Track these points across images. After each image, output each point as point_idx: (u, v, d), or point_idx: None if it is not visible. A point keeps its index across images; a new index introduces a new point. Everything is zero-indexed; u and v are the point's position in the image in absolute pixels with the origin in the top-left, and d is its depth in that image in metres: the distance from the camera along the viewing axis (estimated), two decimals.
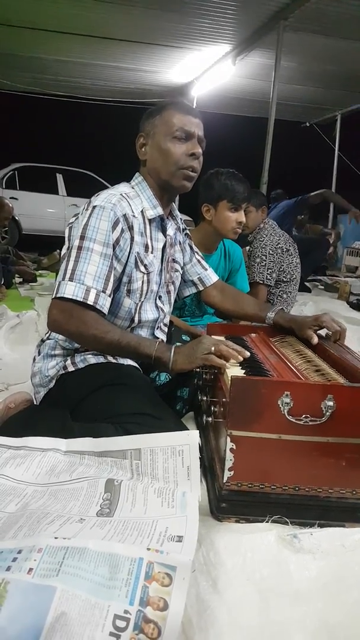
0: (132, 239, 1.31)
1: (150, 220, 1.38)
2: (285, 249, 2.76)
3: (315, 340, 1.40)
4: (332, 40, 4.94)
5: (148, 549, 0.72)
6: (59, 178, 8.62)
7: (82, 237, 1.24)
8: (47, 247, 6.30)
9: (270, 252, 2.69)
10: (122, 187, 1.38)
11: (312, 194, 4.63)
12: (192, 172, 1.35)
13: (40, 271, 5.25)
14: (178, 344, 1.55)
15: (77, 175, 8.76)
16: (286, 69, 5.34)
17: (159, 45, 5.64)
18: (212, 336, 1.43)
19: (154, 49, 5.77)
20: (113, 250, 1.26)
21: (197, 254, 1.66)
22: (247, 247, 2.85)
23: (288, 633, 0.78)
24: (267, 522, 1.05)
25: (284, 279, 2.79)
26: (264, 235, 2.74)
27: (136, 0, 4.42)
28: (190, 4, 4.45)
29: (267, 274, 2.68)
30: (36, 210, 8.21)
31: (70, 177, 8.68)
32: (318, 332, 1.44)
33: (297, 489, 1.07)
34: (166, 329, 1.55)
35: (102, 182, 8.29)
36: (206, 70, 6.39)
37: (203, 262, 1.68)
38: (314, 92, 6.91)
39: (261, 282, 2.67)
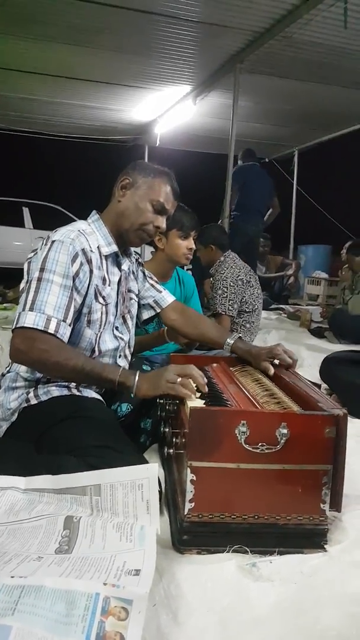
0: (90, 271, 1.36)
1: (106, 256, 1.44)
2: (246, 281, 2.86)
3: (272, 371, 1.45)
4: (286, 82, 5.21)
5: (104, 584, 0.72)
6: (25, 211, 8.70)
7: (42, 269, 1.27)
8: (13, 280, 6.23)
9: (231, 284, 2.78)
10: (80, 224, 1.43)
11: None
12: (147, 237, 1.48)
13: (4, 304, 5.20)
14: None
15: (44, 208, 8.86)
16: (244, 108, 5.57)
17: (123, 85, 5.80)
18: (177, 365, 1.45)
19: (118, 89, 5.93)
20: (73, 282, 1.29)
21: (151, 278, 1.70)
22: (210, 279, 2.93)
23: None
24: (228, 552, 1.06)
25: (247, 310, 2.87)
26: (225, 268, 2.84)
27: (101, 43, 4.56)
28: (152, 48, 4.63)
29: (229, 305, 2.76)
30: (1, 243, 8.21)
31: (37, 211, 8.77)
32: (273, 362, 1.49)
33: (256, 517, 1.09)
34: (129, 357, 1.57)
35: (69, 216, 8.35)
36: (168, 109, 6.58)
37: (157, 285, 1.70)
38: (272, 130, 7.20)
39: (223, 312, 2.75)
